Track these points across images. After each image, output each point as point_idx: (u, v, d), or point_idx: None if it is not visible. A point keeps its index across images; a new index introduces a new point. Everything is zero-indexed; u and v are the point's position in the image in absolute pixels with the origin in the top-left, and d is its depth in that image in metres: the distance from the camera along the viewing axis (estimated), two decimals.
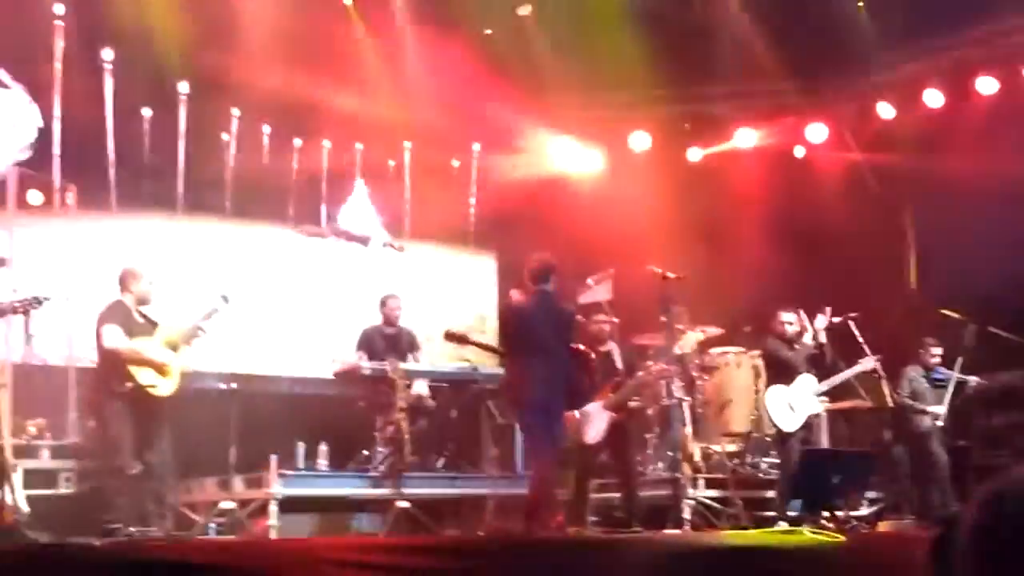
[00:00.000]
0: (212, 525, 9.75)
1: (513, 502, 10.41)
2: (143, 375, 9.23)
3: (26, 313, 8.65)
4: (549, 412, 9.25)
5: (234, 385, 10.25)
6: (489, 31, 14.13)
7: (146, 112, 12.38)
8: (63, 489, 9.90)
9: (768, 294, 11.88)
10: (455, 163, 14.63)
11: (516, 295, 9.60)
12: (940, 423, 11.11)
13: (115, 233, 11.82)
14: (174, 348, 9.49)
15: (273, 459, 9.78)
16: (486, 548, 7.37)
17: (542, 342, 9.26)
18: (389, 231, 12.80)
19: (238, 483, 10.05)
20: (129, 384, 9.16)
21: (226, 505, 9.73)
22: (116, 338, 9.22)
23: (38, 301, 8.36)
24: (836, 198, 13.67)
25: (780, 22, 13.30)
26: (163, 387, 9.36)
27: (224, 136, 12.87)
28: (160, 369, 9.34)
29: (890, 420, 11.51)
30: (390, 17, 13.40)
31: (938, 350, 11.38)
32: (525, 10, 13.88)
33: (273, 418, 10.83)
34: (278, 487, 9.72)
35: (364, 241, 12.35)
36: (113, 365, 9.24)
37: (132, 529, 8.78)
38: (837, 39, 13.20)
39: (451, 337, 10.62)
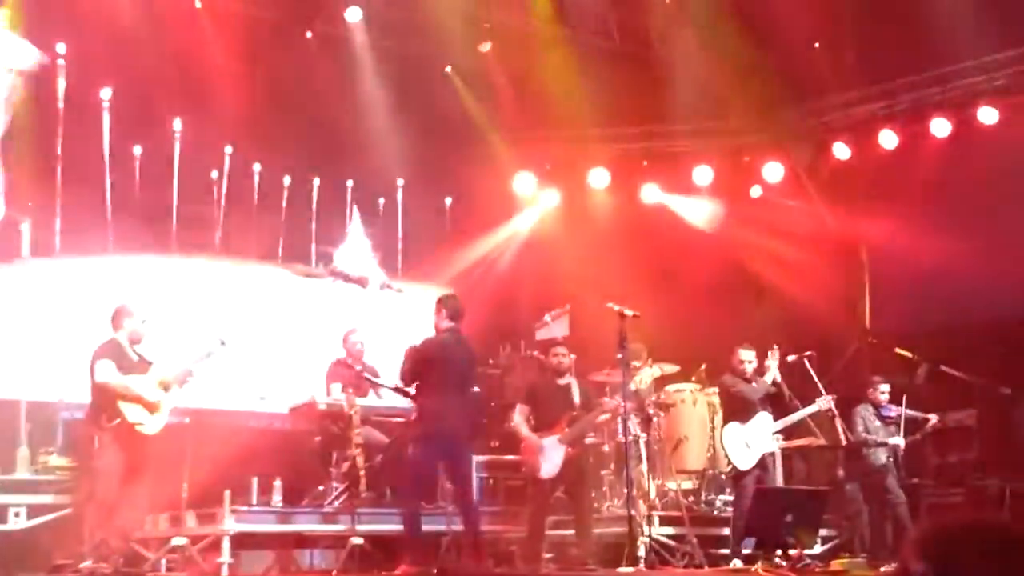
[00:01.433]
0: (163, 561, 9.65)
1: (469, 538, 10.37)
2: (131, 412, 9.15)
3: None
4: (449, 449, 9.36)
5: (187, 419, 10.16)
6: (449, 68, 14.23)
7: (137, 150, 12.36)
8: (12, 524, 9.77)
9: (724, 332, 11.94)
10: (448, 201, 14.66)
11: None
12: (898, 454, 11.20)
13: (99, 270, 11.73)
14: (166, 388, 9.43)
15: (226, 495, 9.69)
16: None
17: (455, 379, 9.40)
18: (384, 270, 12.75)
19: (190, 519, 9.96)
20: (117, 420, 9.09)
21: (178, 541, 9.63)
22: (108, 373, 9.15)
23: None
24: (792, 237, 13.78)
25: (739, 62, 13.45)
26: (150, 425, 9.27)
27: (214, 173, 12.88)
28: (150, 407, 9.27)
29: (843, 458, 11.58)
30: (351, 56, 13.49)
31: (886, 387, 11.48)
32: (486, 47, 13.96)
33: (227, 453, 10.73)
34: (231, 523, 9.62)
35: (362, 283, 12.31)
36: (103, 400, 9.17)
37: (82, 565, 8.67)
38: (794, 79, 13.36)
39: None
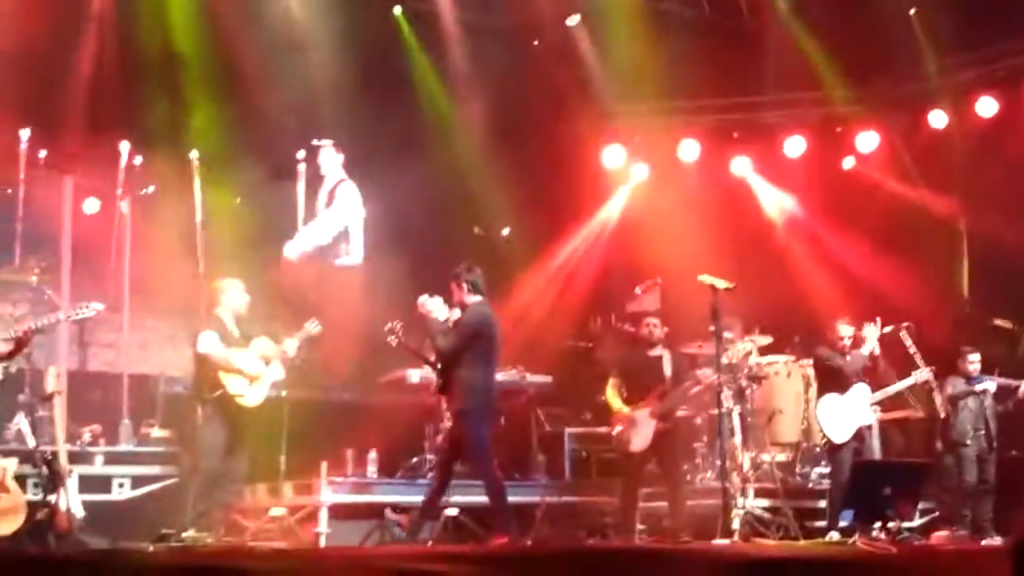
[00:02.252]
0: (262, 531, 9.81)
1: (563, 509, 10.42)
2: (233, 383, 9.32)
3: (80, 319, 8.77)
4: (493, 422, 9.44)
5: (284, 393, 10.31)
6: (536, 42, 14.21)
7: None
8: (117, 494, 10.01)
9: (818, 303, 11.80)
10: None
11: (439, 302, 9.48)
12: (989, 428, 11.03)
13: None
14: (267, 363, 9.60)
15: (323, 466, 9.83)
16: (535, 556, 7.37)
17: (497, 353, 9.46)
18: None
19: (288, 490, 10.12)
20: (219, 391, 9.26)
21: (276, 512, 9.79)
22: (210, 344, 9.32)
23: (92, 308, 8.46)
24: (888, 207, 13.56)
25: (830, 30, 13.24)
26: (250, 396, 9.44)
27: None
28: (250, 379, 9.43)
29: (941, 430, 11.39)
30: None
31: (976, 356, 11.25)
32: (573, 20, 13.91)
33: (323, 426, 10.88)
34: (327, 494, 9.77)
35: None
36: (205, 371, 9.34)
37: (185, 535, 8.85)
38: (888, 47, 13.12)
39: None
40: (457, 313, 9.31)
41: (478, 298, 9.32)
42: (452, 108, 13.71)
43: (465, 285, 9.31)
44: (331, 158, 13.15)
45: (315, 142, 12.97)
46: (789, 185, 14.37)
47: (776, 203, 14.43)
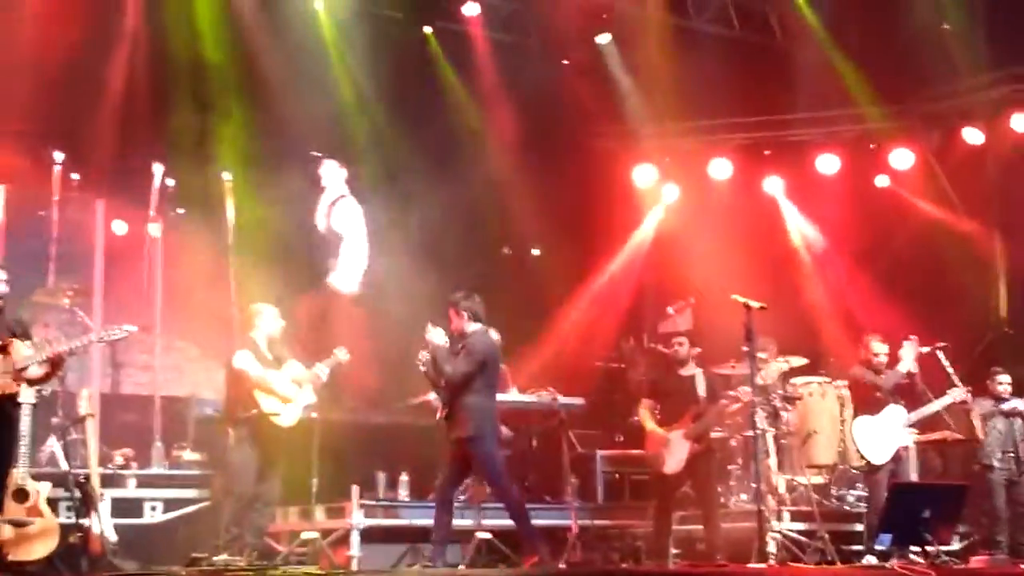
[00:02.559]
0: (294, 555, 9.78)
1: (595, 532, 10.34)
2: (267, 402, 9.32)
3: (113, 342, 8.76)
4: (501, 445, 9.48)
5: (315, 414, 10.28)
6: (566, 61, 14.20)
7: None
8: (149, 518, 10.00)
9: (853, 323, 11.69)
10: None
11: (441, 332, 9.44)
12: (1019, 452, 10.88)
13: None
14: (299, 385, 9.60)
15: (354, 489, 9.79)
16: None
17: (497, 380, 9.44)
18: None
19: (320, 512, 10.08)
20: (254, 410, 9.24)
21: (308, 535, 9.75)
22: (246, 362, 9.32)
23: (125, 331, 8.44)
24: (922, 224, 13.44)
25: (863, 46, 13.16)
26: (286, 416, 9.43)
27: None
28: (283, 400, 9.41)
29: (979, 452, 11.24)
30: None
31: (1006, 378, 11.10)
32: (604, 39, 13.88)
33: (354, 448, 10.85)
34: (359, 517, 9.73)
35: None
36: (239, 390, 9.33)
37: (217, 559, 8.83)
38: (922, 63, 13.02)
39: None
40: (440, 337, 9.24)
41: (478, 326, 9.27)
42: (482, 127, 13.68)
43: (465, 313, 9.25)
44: (333, 172, 13.10)
45: (314, 154, 12.91)
46: (822, 203, 14.27)
47: (802, 228, 14.34)
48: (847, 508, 11.19)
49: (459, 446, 9.11)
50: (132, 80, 11.85)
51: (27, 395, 7.94)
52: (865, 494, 10.77)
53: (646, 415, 10.15)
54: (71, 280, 11.22)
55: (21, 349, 7.77)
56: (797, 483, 11.08)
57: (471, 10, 13.51)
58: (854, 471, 11.22)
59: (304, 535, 9.78)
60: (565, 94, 14.05)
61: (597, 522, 10.71)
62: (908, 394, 10.43)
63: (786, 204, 14.48)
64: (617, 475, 11.71)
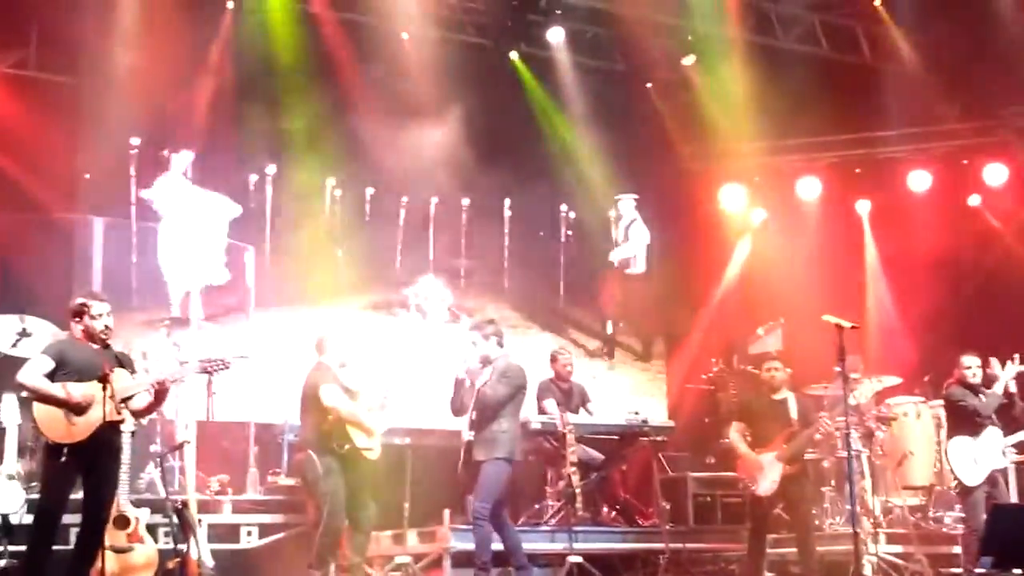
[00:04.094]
0: None
1: (687, 556, 10.27)
2: (359, 438, 9.38)
3: (212, 373, 8.87)
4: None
5: (407, 440, 10.37)
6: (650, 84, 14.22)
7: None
8: (245, 543, 10.14)
9: (948, 342, 11.48)
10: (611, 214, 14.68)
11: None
12: None
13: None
14: (370, 412, 9.70)
15: (446, 513, 9.84)
16: None
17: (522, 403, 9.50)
18: None
19: (412, 537, 10.15)
20: (347, 445, 9.34)
21: (401, 559, 9.82)
22: (337, 397, 9.36)
23: (225, 364, 8.53)
24: (1018, 240, 13.19)
25: (954, 60, 12.98)
26: (375, 451, 9.52)
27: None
28: (368, 432, 9.52)
29: None
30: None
31: None
32: (689, 60, 13.87)
33: (445, 472, 10.89)
34: (452, 541, 9.77)
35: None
36: (331, 425, 9.36)
37: None
38: (1015, 75, 12.79)
39: None
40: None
41: (503, 350, 9.34)
42: (574, 147, 13.76)
43: (493, 338, 9.33)
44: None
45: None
46: (914, 220, 14.07)
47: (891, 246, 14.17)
48: (945, 530, 10.99)
49: (480, 464, 9.18)
50: (221, 87, 12.10)
51: (128, 423, 8.10)
52: (963, 516, 10.57)
53: (737, 438, 10.07)
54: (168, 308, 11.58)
55: (125, 379, 7.93)
56: (893, 505, 10.91)
57: (555, 36, 13.59)
58: (952, 492, 11.02)
59: (397, 559, 9.86)
60: (651, 116, 14.08)
61: (689, 545, 10.63)
62: (1006, 414, 10.22)
63: (875, 223, 14.30)
64: (708, 498, 11.61)
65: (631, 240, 14.51)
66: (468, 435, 9.26)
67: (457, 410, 9.46)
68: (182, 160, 12.30)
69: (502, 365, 9.26)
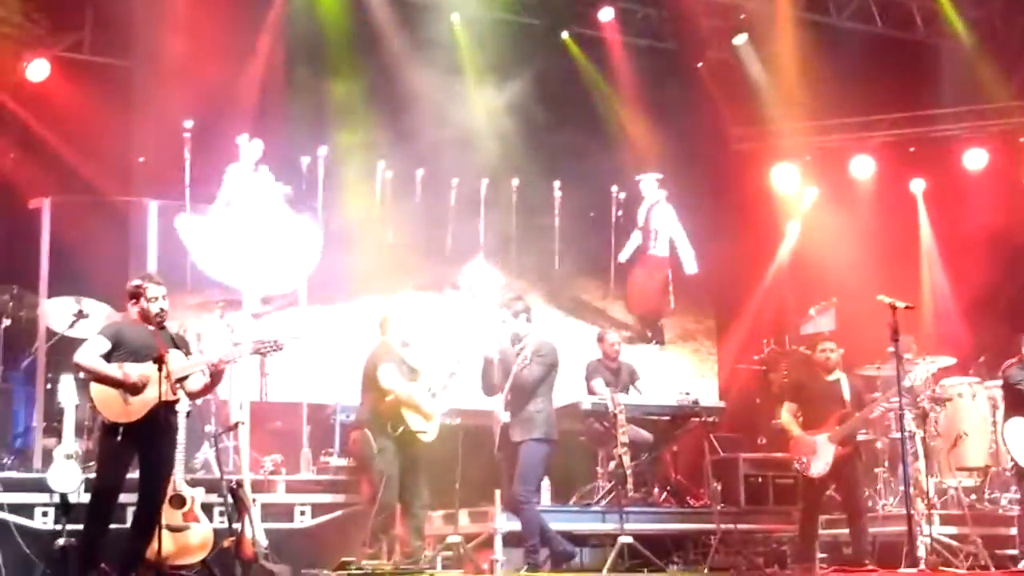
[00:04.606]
0: (439, 558, 9.91)
1: (738, 537, 10.25)
2: (414, 420, 9.47)
3: (265, 354, 8.94)
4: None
5: (458, 420, 10.41)
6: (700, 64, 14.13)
7: None
8: (299, 522, 10.24)
9: (1002, 322, 11.35)
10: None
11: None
12: None
13: None
14: (433, 395, 9.75)
15: (497, 493, 9.87)
16: None
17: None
18: None
19: (464, 517, 10.19)
20: (401, 427, 9.41)
21: (452, 539, 9.88)
22: (393, 378, 9.45)
23: (278, 345, 8.59)
24: None
25: (1010, 38, 12.79)
26: (431, 433, 9.59)
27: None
28: (426, 416, 9.58)
29: None
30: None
31: None
32: (741, 39, 13.76)
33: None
34: (502, 521, 9.79)
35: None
36: (386, 407, 9.46)
37: (365, 562, 9.00)
38: None
39: None
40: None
41: (533, 326, 9.35)
42: (624, 128, 13.70)
43: (522, 315, 9.36)
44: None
45: None
46: (969, 199, 13.89)
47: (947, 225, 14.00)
48: (1001, 512, 10.88)
49: (518, 446, 9.20)
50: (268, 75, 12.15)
51: (183, 403, 8.19)
52: (1019, 496, 10.46)
53: (789, 419, 10.03)
54: (222, 289, 11.67)
55: (180, 359, 8.02)
56: (947, 486, 10.82)
57: (606, 15, 13.54)
58: (1008, 473, 10.90)
59: (449, 539, 9.91)
60: (702, 95, 13.99)
61: (740, 526, 10.59)
62: None
63: (930, 202, 14.14)
64: (760, 479, 11.55)
65: (652, 222, 14.33)
66: (504, 416, 9.27)
67: (487, 388, 9.47)
68: (253, 149, 12.33)
69: (535, 343, 9.29)
